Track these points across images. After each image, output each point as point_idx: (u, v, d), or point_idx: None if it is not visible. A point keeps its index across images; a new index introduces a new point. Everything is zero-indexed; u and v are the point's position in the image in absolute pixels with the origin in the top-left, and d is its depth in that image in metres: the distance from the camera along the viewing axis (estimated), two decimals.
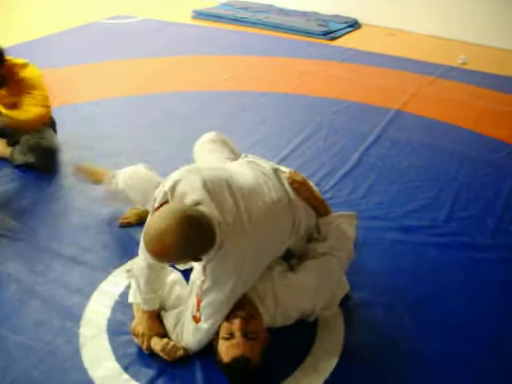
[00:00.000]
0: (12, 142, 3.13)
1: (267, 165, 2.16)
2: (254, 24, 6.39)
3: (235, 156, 2.40)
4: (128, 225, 2.65)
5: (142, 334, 1.99)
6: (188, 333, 1.96)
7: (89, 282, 2.30)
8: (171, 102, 4.13)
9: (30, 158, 3.03)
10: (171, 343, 1.95)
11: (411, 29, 6.57)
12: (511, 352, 2.10)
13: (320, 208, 2.16)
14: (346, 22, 6.63)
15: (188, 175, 1.86)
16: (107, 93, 4.21)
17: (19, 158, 3.05)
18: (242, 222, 1.82)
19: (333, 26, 6.41)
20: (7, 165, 3.11)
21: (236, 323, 1.84)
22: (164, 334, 2.00)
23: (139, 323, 2.02)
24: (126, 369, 1.93)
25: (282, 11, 6.92)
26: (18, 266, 2.38)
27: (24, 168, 3.07)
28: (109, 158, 3.23)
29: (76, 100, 4.03)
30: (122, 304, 2.20)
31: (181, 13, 6.74)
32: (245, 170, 2.06)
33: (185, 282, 2.18)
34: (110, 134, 3.57)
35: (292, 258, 2.16)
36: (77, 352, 1.99)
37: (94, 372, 1.92)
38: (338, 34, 6.26)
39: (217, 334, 1.90)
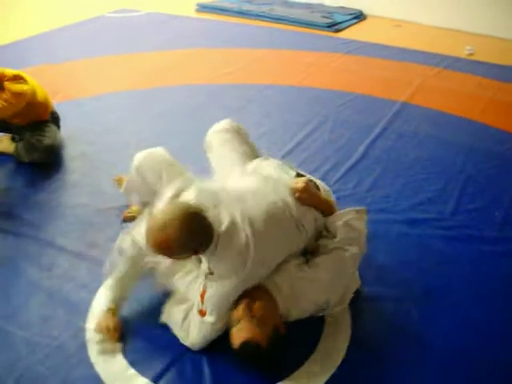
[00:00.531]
0: (16, 138, 3.12)
1: (272, 169, 2.17)
2: (258, 16, 6.36)
3: (248, 147, 2.41)
4: (132, 220, 2.63)
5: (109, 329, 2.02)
6: (194, 327, 1.96)
7: (95, 278, 2.29)
8: (176, 96, 4.12)
9: (33, 155, 3.03)
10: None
11: (417, 20, 6.53)
12: None
13: (325, 209, 2.15)
14: (351, 14, 6.59)
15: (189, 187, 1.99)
16: (111, 87, 4.20)
17: (23, 156, 3.05)
18: (237, 224, 1.86)
19: (338, 18, 6.37)
20: (12, 161, 3.10)
21: (240, 309, 1.86)
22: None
23: (105, 320, 2.04)
24: (132, 364, 1.93)
25: (287, 3, 6.89)
26: (24, 262, 2.38)
27: (29, 164, 3.06)
28: (113, 153, 3.23)
29: (80, 95, 4.02)
30: (128, 299, 2.19)
31: (185, 6, 6.72)
32: (246, 177, 2.10)
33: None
34: (114, 128, 3.56)
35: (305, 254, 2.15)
36: (83, 347, 1.99)
37: (101, 367, 1.92)
38: (342, 25, 6.22)
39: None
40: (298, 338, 2.06)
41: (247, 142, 2.45)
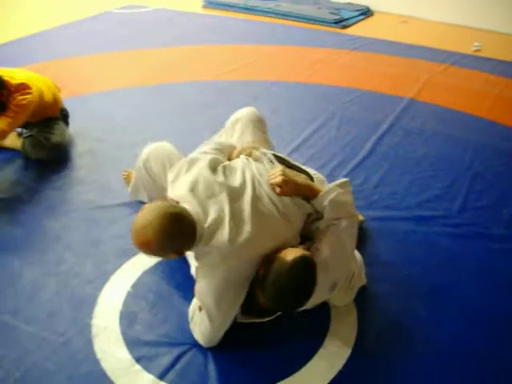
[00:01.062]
0: (23, 134, 3.12)
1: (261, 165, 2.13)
2: (265, 13, 6.35)
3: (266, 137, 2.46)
4: None
5: None
6: (197, 324, 1.97)
7: (101, 274, 2.30)
8: (183, 92, 4.11)
9: (40, 153, 3.03)
10: None
11: (424, 16, 6.50)
12: None
13: (309, 194, 2.07)
14: (358, 10, 6.57)
15: (185, 171, 2.01)
16: (118, 83, 4.20)
17: (30, 153, 3.05)
18: (224, 221, 1.84)
19: (345, 14, 6.35)
20: (19, 156, 3.11)
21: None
22: None
23: None
24: (138, 360, 1.93)
25: None
26: (31, 258, 2.39)
27: (35, 160, 3.07)
28: (120, 150, 3.23)
29: (87, 91, 4.02)
30: (133, 295, 2.20)
31: (192, 2, 6.72)
32: (237, 172, 2.04)
33: None
34: (122, 125, 3.55)
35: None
36: (89, 343, 1.99)
37: (107, 363, 1.92)
38: (350, 22, 6.21)
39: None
40: (304, 334, 2.06)
41: (264, 137, 2.50)
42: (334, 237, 2.01)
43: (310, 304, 1.96)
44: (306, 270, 1.79)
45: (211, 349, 1.98)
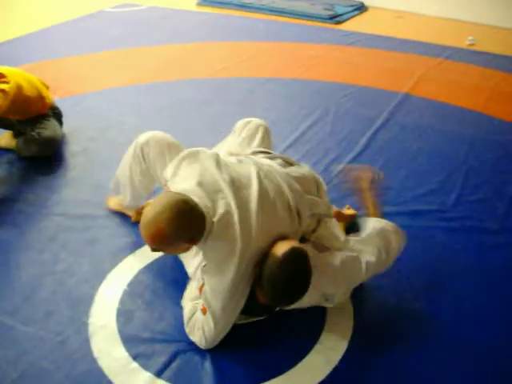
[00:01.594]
0: (18, 134, 3.12)
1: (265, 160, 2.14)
2: (259, 9, 6.35)
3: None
4: None
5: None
6: (197, 327, 1.95)
7: (97, 273, 2.30)
8: (178, 90, 4.11)
9: (32, 148, 3.03)
10: None
11: (418, 11, 6.51)
12: None
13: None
14: (353, 6, 6.57)
15: (187, 165, 1.96)
16: (113, 82, 4.19)
17: (23, 149, 3.05)
18: (233, 216, 1.80)
19: (339, 10, 6.35)
20: (14, 157, 3.10)
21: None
22: None
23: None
24: (135, 358, 1.93)
25: None
26: (27, 258, 2.39)
27: (30, 159, 3.07)
28: (115, 149, 3.22)
29: (81, 90, 4.01)
30: (130, 294, 2.20)
31: (186, 0, 6.71)
32: (243, 166, 2.03)
33: None
34: (116, 124, 3.55)
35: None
36: (86, 342, 1.99)
37: (104, 362, 1.92)
38: (344, 17, 6.21)
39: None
40: (300, 329, 2.07)
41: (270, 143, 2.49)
42: (356, 260, 2.05)
43: (307, 303, 1.97)
44: (297, 263, 1.80)
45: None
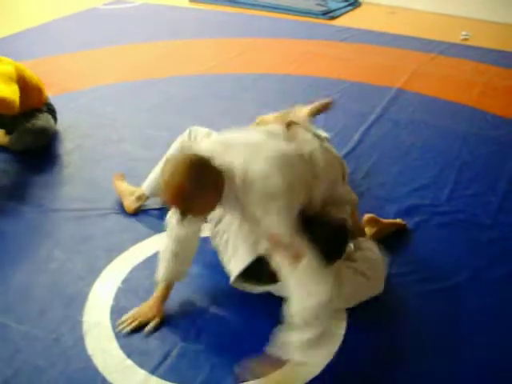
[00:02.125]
0: (10, 132, 3.11)
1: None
2: (252, 5, 6.33)
3: None
4: None
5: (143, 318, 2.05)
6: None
7: (91, 270, 2.30)
8: (171, 87, 4.10)
9: (26, 139, 3.02)
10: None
11: (412, 6, 6.51)
12: None
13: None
14: (346, 1, 6.57)
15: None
16: (106, 79, 4.18)
17: (16, 143, 3.04)
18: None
19: (332, 5, 6.34)
20: (7, 154, 3.10)
21: None
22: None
23: (150, 307, 2.07)
24: (129, 355, 1.93)
25: None
26: (21, 255, 2.39)
27: (24, 156, 3.06)
28: (109, 146, 3.23)
29: (74, 87, 4.00)
30: (124, 291, 2.20)
31: None
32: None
33: None
34: (110, 121, 3.55)
35: None
36: (80, 339, 1.99)
37: (98, 359, 1.92)
38: (337, 13, 6.20)
39: None
40: None
41: None
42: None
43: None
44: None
45: (202, 342, 1.99)
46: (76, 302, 2.15)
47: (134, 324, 2.03)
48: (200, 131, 2.49)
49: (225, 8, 6.30)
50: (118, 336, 2.01)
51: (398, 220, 2.59)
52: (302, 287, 1.73)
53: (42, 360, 1.91)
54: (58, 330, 2.02)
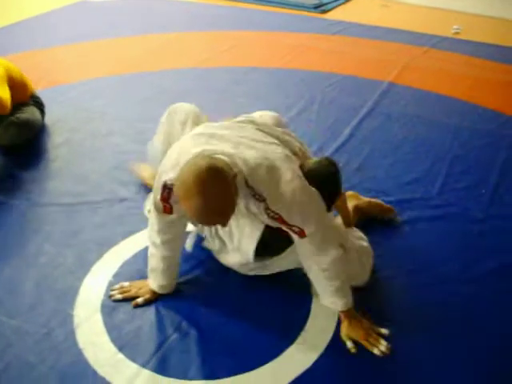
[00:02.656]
0: None
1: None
2: None
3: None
4: None
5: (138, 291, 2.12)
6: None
7: (82, 264, 2.29)
8: (162, 80, 4.08)
9: (11, 132, 2.99)
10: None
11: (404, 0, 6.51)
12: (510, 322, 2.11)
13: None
14: None
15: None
16: (95, 73, 4.15)
17: (2, 138, 3.01)
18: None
19: None
20: None
21: None
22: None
23: (147, 285, 2.12)
24: (120, 349, 1.92)
25: None
26: (10, 250, 2.37)
27: (11, 150, 3.03)
28: (98, 140, 3.21)
29: (63, 81, 3.97)
30: (115, 284, 2.19)
31: None
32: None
33: None
34: (99, 114, 3.52)
35: None
36: (71, 334, 1.98)
37: (89, 353, 1.91)
38: (329, 6, 6.18)
39: None
40: (284, 318, 2.07)
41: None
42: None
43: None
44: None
45: (193, 333, 1.98)
46: (67, 296, 2.14)
47: (125, 294, 2.11)
48: (178, 114, 2.39)
49: (217, 1, 6.26)
50: (109, 330, 2.00)
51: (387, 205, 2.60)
52: (315, 252, 1.88)
53: (32, 354, 1.90)
54: (48, 325, 2.01)
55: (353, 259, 2.11)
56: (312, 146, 3.18)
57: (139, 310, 2.08)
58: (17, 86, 3.04)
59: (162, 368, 1.86)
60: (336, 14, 5.98)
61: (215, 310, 2.07)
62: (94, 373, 1.84)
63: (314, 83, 4.09)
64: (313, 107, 3.71)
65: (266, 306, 2.10)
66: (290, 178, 1.78)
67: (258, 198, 1.76)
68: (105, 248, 2.38)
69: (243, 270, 2.20)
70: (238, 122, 2.08)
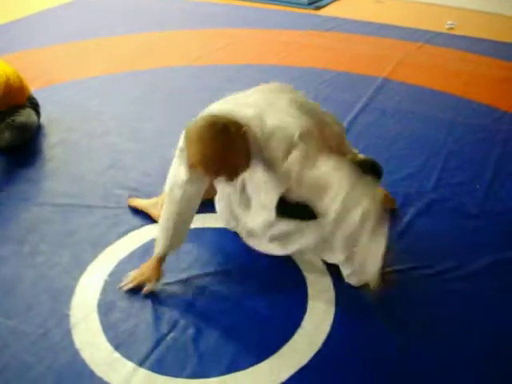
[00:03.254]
0: None
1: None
2: None
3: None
4: None
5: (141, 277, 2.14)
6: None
7: (77, 264, 2.29)
8: (157, 78, 4.08)
9: (7, 135, 2.99)
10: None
11: None
12: (504, 317, 2.12)
13: None
14: None
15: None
16: (90, 72, 4.14)
17: None
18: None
19: None
20: None
21: None
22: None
23: (148, 267, 2.14)
24: (117, 348, 1.93)
25: None
26: (6, 251, 2.37)
27: (7, 151, 3.02)
28: (93, 140, 3.21)
29: (58, 80, 3.96)
30: (111, 284, 2.19)
31: None
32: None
33: None
34: (94, 114, 3.52)
35: None
36: (68, 333, 1.98)
37: (86, 353, 1.91)
38: (323, 2, 6.17)
39: None
40: (282, 314, 2.08)
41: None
42: None
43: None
44: None
45: (190, 331, 1.99)
46: (63, 295, 2.14)
47: (133, 283, 2.14)
48: None
49: None
50: (106, 329, 2.00)
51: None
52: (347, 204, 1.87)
53: (29, 355, 1.90)
54: (45, 325, 2.01)
55: None
56: None
57: (135, 309, 2.08)
58: (14, 90, 3.04)
59: (158, 367, 1.87)
60: (330, 11, 5.98)
61: (211, 308, 2.06)
62: (91, 372, 1.84)
63: (309, 80, 4.08)
64: None
65: (263, 304, 2.10)
66: (300, 155, 1.86)
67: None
68: (100, 247, 2.38)
69: (263, 243, 2.23)
70: (279, 90, 2.19)
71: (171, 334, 1.98)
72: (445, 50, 4.82)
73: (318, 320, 2.05)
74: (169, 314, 2.07)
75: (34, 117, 3.17)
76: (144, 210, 2.58)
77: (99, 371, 1.85)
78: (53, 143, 3.17)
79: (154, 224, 2.49)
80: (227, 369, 1.87)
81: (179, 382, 1.83)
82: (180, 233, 2.15)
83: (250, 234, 2.27)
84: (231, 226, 2.39)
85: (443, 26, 5.45)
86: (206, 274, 2.25)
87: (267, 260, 2.22)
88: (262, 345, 1.96)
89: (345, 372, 1.89)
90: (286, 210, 2.09)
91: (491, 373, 1.90)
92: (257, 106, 1.99)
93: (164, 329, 2.00)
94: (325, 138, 2.06)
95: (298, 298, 2.14)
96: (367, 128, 3.42)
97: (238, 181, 2.13)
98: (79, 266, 2.27)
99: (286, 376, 1.85)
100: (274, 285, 2.20)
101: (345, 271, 2.17)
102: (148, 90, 3.87)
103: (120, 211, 2.61)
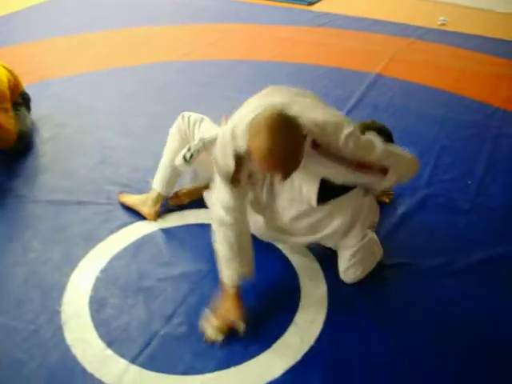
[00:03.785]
0: None
1: None
2: None
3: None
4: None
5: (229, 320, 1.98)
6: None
7: (69, 260, 2.28)
8: (148, 74, 4.06)
9: (3, 143, 2.94)
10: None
11: None
12: (495, 312, 2.12)
13: None
14: None
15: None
16: (81, 67, 4.12)
17: None
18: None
19: None
20: None
21: None
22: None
23: (229, 308, 1.99)
24: (109, 345, 1.92)
25: None
26: None
27: None
28: (85, 135, 3.19)
29: (50, 76, 3.94)
30: (103, 280, 2.18)
31: None
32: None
33: None
34: (86, 109, 3.49)
35: None
36: (59, 330, 1.97)
37: (78, 349, 1.90)
38: None
39: None
40: (275, 310, 2.08)
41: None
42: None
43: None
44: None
45: (182, 331, 1.98)
46: (54, 292, 2.13)
47: (224, 331, 1.96)
48: (192, 115, 2.45)
49: None
50: (97, 325, 1.99)
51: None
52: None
53: (20, 351, 1.89)
54: (36, 321, 2.00)
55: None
56: None
57: (127, 306, 2.08)
58: (11, 88, 3.01)
59: (150, 363, 1.86)
60: (322, 6, 5.97)
61: (203, 305, 2.05)
62: (83, 369, 1.84)
63: (302, 75, 4.08)
64: None
65: (255, 300, 2.10)
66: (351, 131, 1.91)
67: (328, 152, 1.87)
68: (92, 243, 2.37)
69: (286, 237, 2.24)
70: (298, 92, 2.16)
71: (163, 331, 1.97)
72: (437, 45, 4.83)
73: (310, 317, 2.05)
74: (161, 310, 2.06)
75: (29, 121, 3.14)
76: (133, 207, 2.56)
77: (91, 368, 1.84)
78: (45, 138, 3.15)
79: (146, 221, 2.49)
80: (220, 365, 1.87)
81: (172, 379, 1.83)
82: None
83: (277, 229, 2.23)
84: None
85: (435, 21, 5.46)
86: (199, 270, 2.24)
87: (260, 256, 2.21)
88: (254, 341, 1.95)
89: (337, 368, 1.89)
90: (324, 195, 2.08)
91: (480, 367, 1.91)
92: (297, 102, 1.95)
93: (156, 326, 1.99)
94: None
95: (290, 295, 2.14)
96: None
97: (265, 181, 2.12)
98: (71, 263, 2.26)
99: (278, 372, 1.85)
100: (266, 281, 2.20)
101: (342, 265, 2.18)
102: (139, 86, 3.86)
103: (111, 207, 2.59)
